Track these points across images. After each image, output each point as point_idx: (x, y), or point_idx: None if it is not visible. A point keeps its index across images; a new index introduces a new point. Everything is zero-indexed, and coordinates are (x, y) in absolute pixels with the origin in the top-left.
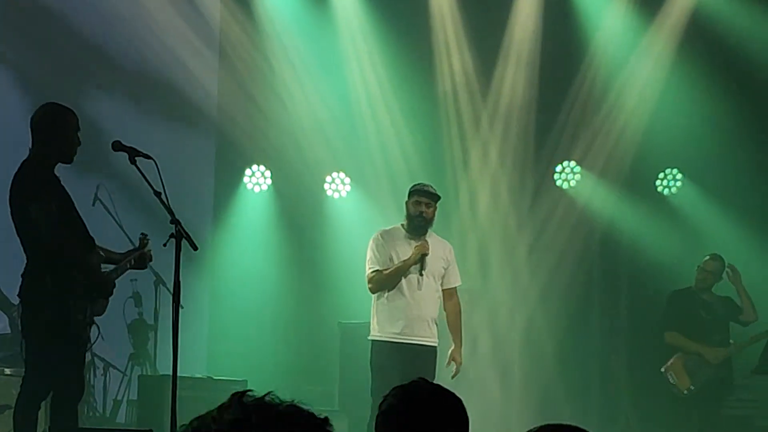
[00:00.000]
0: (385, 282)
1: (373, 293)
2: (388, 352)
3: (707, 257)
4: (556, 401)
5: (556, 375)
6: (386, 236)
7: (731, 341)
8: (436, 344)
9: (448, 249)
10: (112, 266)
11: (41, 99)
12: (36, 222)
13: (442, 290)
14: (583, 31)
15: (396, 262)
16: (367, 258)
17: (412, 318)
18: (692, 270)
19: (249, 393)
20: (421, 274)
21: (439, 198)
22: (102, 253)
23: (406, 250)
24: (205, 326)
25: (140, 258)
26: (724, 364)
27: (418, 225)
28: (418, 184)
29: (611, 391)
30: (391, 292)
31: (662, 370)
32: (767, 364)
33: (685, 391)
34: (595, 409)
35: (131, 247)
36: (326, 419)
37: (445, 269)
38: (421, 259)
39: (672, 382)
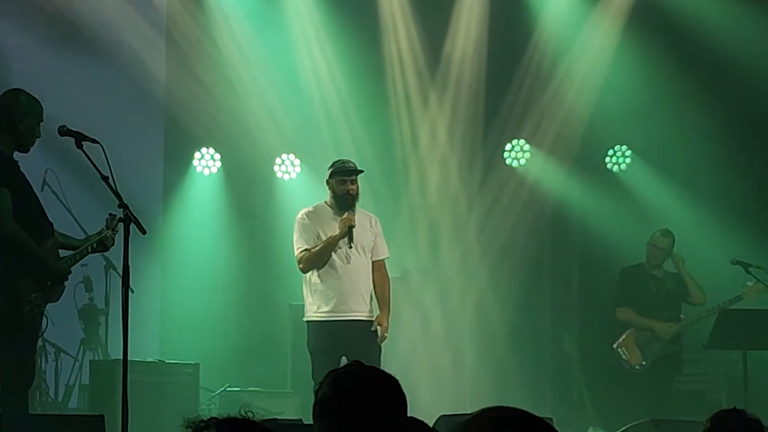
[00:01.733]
0: (316, 259)
1: (305, 272)
2: (326, 332)
3: (657, 233)
4: (508, 379)
5: (508, 353)
6: (311, 215)
7: (682, 316)
8: (373, 318)
9: (374, 221)
10: (70, 252)
11: None
12: None
13: (372, 263)
14: (531, 9)
15: (324, 239)
16: (294, 239)
17: (346, 294)
18: (642, 246)
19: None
20: (351, 247)
21: (361, 172)
22: (60, 240)
23: (333, 227)
24: (157, 310)
25: (101, 242)
26: (675, 339)
27: (345, 203)
28: (338, 162)
29: (564, 368)
30: (321, 270)
31: (614, 346)
32: (718, 338)
33: (637, 367)
34: (548, 386)
35: (81, 231)
36: None
37: (374, 241)
38: (348, 232)
39: (624, 357)
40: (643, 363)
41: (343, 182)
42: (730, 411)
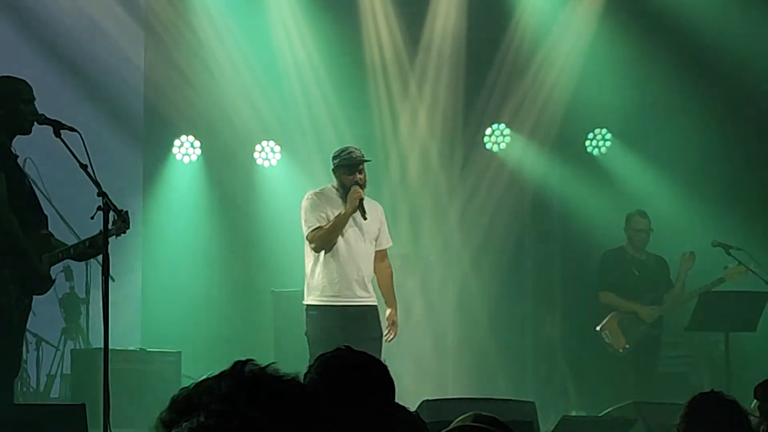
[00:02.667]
0: (328, 236)
1: (318, 251)
2: (329, 317)
3: (636, 215)
4: (491, 364)
5: (491, 338)
6: (320, 195)
7: (665, 296)
8: (375, 304)
9: (380, 210)
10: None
11: None
12: None
13: (375, 252)
14: None
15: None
16: (303, 218)
17: (351, 278)
18: (622, 229)
19: (252, 362)
20: (365, 218)
21: (368, 161)
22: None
23: (337, 212)
24: (138, 298)
25: (93, 242)
26: (657, 322)
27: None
28: (344, 152)
29: (546, 353)
30: (327, 254)
31: (597, 329)
32: (699, 320)
33: (621, 350)
34: (531, 371)
35: (61, 221)
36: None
37: (379, 230)
38: (359, 206)
39: (607, 341)
40: (627, 346)
41: (350, 173)
42: (708, 393)
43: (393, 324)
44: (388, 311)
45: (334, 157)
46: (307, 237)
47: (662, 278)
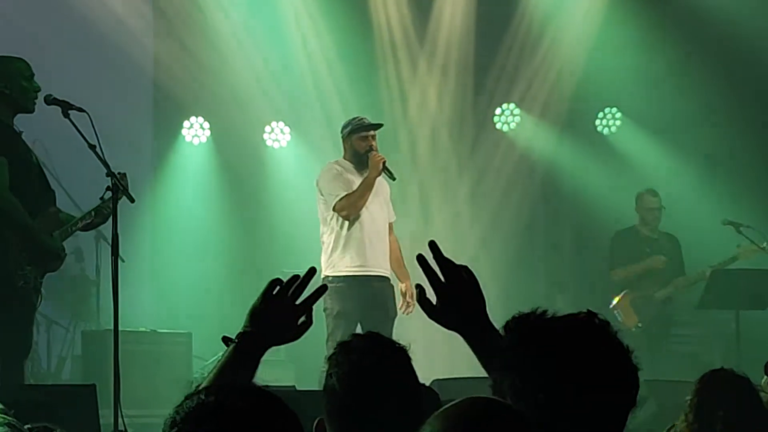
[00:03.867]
0: (358, 201)
1: (349, 218)
2: (355, 288)
3: (646, 193)
4: None
5: (501, 318)
6: (338, 165)
7: (679, 279)
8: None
9: (386, 183)
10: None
11: None
12: None
13: None
14: None
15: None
16: (327, 188)
17: (377, 248)
18: (633, 208)
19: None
20: (393, 178)
21: (381, 125)
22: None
23: (358, 182)
24: (148, 279)
25: (98, 211)
26: (668, 300)
27: (366, 159)
28: (354, 119)
29: None
30: (353, 224)
31: (609, 308)
32: (710, 298)
33: (633, 329)
34: None
35: (71, 202)
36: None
37: (388, 203)
38: (384, 168)
39: (619, 320)
40: (639, 325)
41: (364, 138)
42: (719, 370)
43: (411, 296)
44: (403, 285)
45: (345, 127)
46: (335, 206)
47: (675, 257)
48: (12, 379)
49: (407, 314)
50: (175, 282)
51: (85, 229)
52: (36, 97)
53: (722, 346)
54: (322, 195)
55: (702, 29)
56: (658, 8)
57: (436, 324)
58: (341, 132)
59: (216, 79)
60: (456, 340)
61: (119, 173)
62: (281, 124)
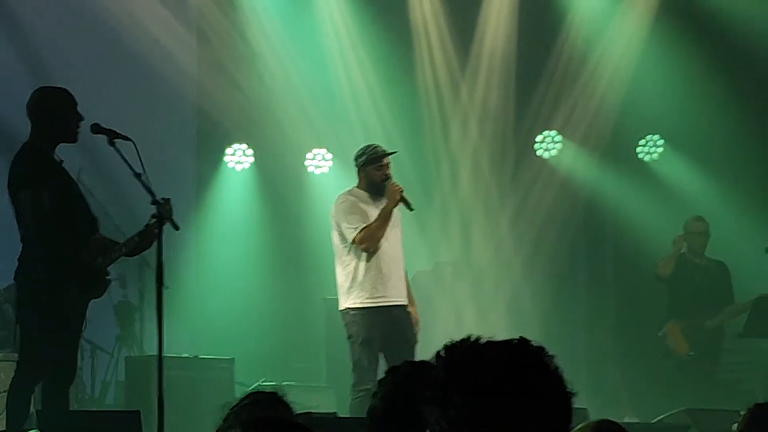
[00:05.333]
0: (377, 233)
1: (368, 250)
2: (377, 318)
3: (692, 219)
4: None
5: (542, 345)
6: (352, 196)
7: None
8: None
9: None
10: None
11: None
12: (24, 209)
13: None
14: None
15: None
16: (343, 221)
17: (396, 277)
18: (675, 235)
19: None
20: (411, 209)
21: (394, 152)
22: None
23: (373, 212)
24: (191, 305)
25: (143, 236)
26: (718, 330)
27: (382, 188)
28: (368, 149)
29: (598, 359)
30: (372, 254)
31: (659, 334)
32: (754, 326)
33: (685, 357)
34: (583, 378)
35: (115, 229)
36: None
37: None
38: (401, 198)
39: (670, 347)
40: (691, 353)
41: (380, 167)
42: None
43: (416, 322)
44: (409, 309)
45: (359, 156)
46: (354, 239)
47: (724, 284)
48: (57, 405)
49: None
50: (217, 308)
51: (131, 254)
52: (79, 127)
53: (764, 375)
54: (338, 228)
55: (744, 57)
56: (701, 36)
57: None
58: (355, 161)
59: (258, 106)
60: None
61: (163, 199)
62: (323, 150)
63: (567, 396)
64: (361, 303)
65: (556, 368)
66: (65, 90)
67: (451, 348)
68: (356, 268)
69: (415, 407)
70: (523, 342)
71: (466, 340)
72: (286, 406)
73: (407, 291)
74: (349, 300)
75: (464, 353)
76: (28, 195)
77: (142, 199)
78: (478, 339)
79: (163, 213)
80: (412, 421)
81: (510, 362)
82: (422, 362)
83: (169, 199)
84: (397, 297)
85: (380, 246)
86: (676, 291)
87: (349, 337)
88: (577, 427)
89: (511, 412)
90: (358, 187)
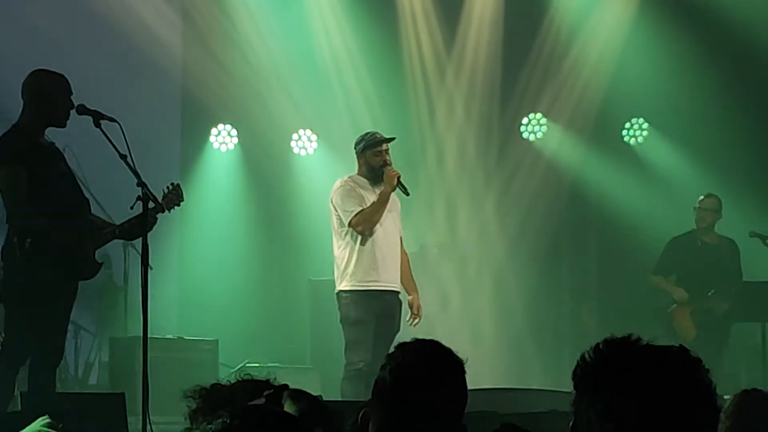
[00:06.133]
0: (373, 217)
1: (364, 233)
2: (368, 302)
3: (702, 196)
4: (527, 354)
5: (527, 327)
6: (351, 181)
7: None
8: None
9: (397, 199)
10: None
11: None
12: (2, 187)
13: None
14: None
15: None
16: (340, 205)
17: (389, 263)
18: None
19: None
20: (407, 194)
21: (393, 139)
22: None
23: (372, 198)
24: (175, 286)
25: (140, 221)
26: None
27: (382, 173)
28: (367, 135)
29: (583, 342)
30: (367, 238)
31: (668, 311)
32: (739, 311)
33: (692, 340)
34: (567, 361)
35: (101, 210)
36: None
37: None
38: (398, 183)
39: (676, 330)
40: (697, 338)
41: (378, 153)
42: (754, 392)
43: (418, 309)
44: (411, 297)
45: (358, 143)
46: (350, 222)
47: (732, 263)
48: (42, 387)
49: (414, 326)
50: (202, 289)
51: (127, 237)
52: (69, 115)
53: (746, 358)
54: (336, 211)
55: (730, 40)
56: (686, 20)
57: (462, 335)
58: (355, 148)
59: (244, 87)
60: (477, 350)
61: (173, 184)
62: (308, 131)
63: (715, 411)
64: (352, 286)
65: (710, 382)
66: (61, 75)
67: (611, 343)
68: (351, 252)
69: (422, 383)
70: (682, 351)
71: (626, 339)
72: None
73: (409, 278)
74: (342, 283)
75: (622, 351)
76: (5, 175)
77: (128, 181)
78: (638, 339)
79: (149, 195)
80: (418, 395)
81: (667, 370)
82: (431, 341)
83: (179, 184)
84: (389, 282)
85: (375, 231)
86: (679, 270)
87: (342, 319)
88: None
89: (658, 418)
90: (358, 173)
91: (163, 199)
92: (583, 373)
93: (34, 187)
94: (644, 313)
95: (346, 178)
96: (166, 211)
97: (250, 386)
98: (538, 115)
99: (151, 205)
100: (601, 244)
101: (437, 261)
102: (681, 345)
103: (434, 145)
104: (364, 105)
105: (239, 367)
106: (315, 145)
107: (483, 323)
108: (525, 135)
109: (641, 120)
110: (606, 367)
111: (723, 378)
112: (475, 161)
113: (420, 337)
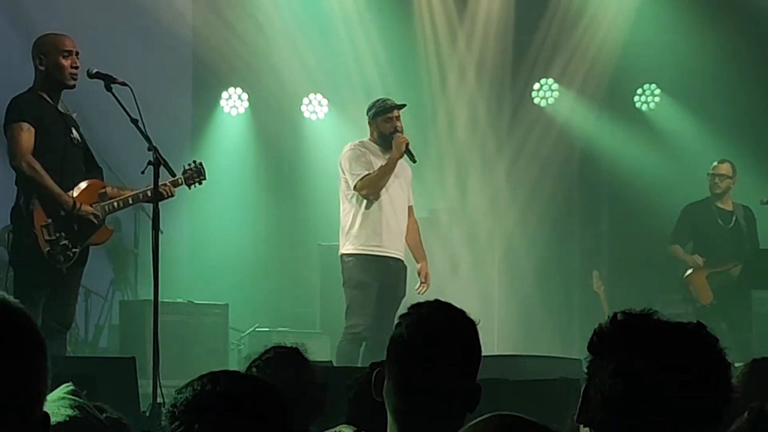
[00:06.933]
0: (379, 182)
1: (369, 198)
2: (371, 266)
3: (715, 162)
4: (536, 320)
5: (537, 294)
6: (361, 146)
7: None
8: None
9: (407, 167)
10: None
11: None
12: (8, 143)
13: None
14: None
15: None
16: (348, 168)
17: (394, 230)
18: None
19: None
20: (414, 161)
21: (404, 105)
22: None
23: (380, 163)
24: (185, 250)
25: (153, 193)
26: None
27: (391, 141)
28: (379, 101)
29: (592, 309)
30: (372, 204)
31: (683, 276)
32: (748, 278)
33: (707, 305)
34: (577, 327)
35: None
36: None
37: (409, 186)
38: (407, 150)
39: (693, 294)
40: (714, 302)
41: (389, 119)
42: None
43: (426, 276)
44: (420, 265)
45: (370, 108)
46: (355, 185)
47: (750, 229)
48: (53, 351)
49: (422, 293)
50: (212, 253)
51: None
52: (75, 74)
53: (758, 326)
54: (344, 174)
55: (743, 6)
56: None
57: (471, 301)
58: (367, 114)
59: (254, 51)
60: (487, 317)
61: (196, 162)
62: (319, 96)
63: (730, 386)
64: (355, 249)
65: (722, 357)
66: (63, 35)
67: (628, 313)
68: (355, 216)
69: (439, 337)
70: (698, 326)
71: (644, 311)
72: (305, 361)
73: (419, 245)
74: (346, 246)
75: (639, 320)
76: (13, 129)
77: (140, 144)
78: (655, 312)
79: (160, 159)
80: (436, 349)
81: (681, 338)
82: (444, 302)
83: (201, 163)
84: (392, 249)
85: (381, 197)
86: (694, 237)
87: (344, 282)
88: (480, 419)
89: (667, 381)
90: (369, 139)
91: (183, 174)
92: (599, 339)
93: (41, 145)
94: (656, 279)
95: (356, 142)
96: (187, 187)
97: None
98: (550, 81)
99: (166, 183)
100: (612, 211)
101: (447, 227)
102: (699, 321)
103: (445, 111)
104: (375, 70)
105: (249, 331)
106: (325, 109)
107: (493, 290)
108: (536, 101)
109: (653, 86)
110: (621, 332)
111: (738, 344)
112: (486, 127)
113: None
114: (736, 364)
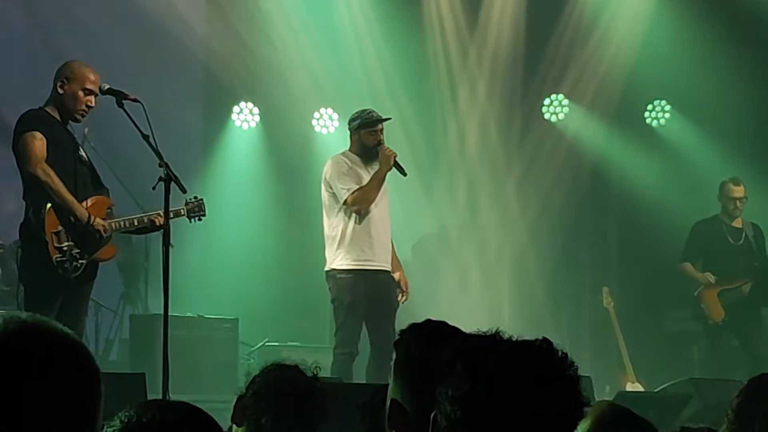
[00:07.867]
0: (369, 195)
1: (360, 212)
2: (361, 282)
3: (729, 182)
4: (546, 336)
5: (547, 309)
6: (347, 159)
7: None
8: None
9: None
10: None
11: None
12: (19, 154)
13: None
14: None
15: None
16: (336, 182)
17: (383, 242)
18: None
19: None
20: (404, 174)
21: (389, 119)
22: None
23: (365, 176)
24: (196, 265)
25: (153, 225)
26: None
27: (373, 152)
28: (363, 113)
29: (602, 325)
30: (362, 217)
31: (695, 294)
32: (758, 296)
33: (720, 323)
34: (587, 343)
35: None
36: None
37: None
38: (395, 163)
39: (705, 312)
40: (726, 319)
41: (374, 132)
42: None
43: (406, 285)
44: (397, 274)
45: (353, 119)
46: (346, 200)
47: (759, 246)
48: None
49: (403, 303)
50: (222, 267)
51: (139, 233)
52: (86, 113)
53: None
54: (330, 188)
55: (754, 24)
56: (709, 2)
57: (481, 317)
58: (349, 125)
59: (266, 65)
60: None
61: (197, 198)
62: (330, 110)
63: (580, 403)
64: (347, 265)
65: (570, 374)
66: (92, 71)
67: (472, 337)
68: (344, 230)
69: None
70: (544, 342)
71: (490, 335)
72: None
73: (394, 256)
74: (335, 261)
75: (478, 341)
76: (24, 139)
77: (151, 160)
78: (500, 334)
79: (171, 175)
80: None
81: (518, 359)
82: (443, 322)
83: (202, 199)
84: (382, 262)
85: (370, 210)
86: (705, 255)
87: (334, 300)
88: (591, 408)
89: (502, 403)
90: (350, 150)
91: (185, 206)
92: (444, 365)
93: (53, 160)
94: (666, 295)
95: (339, 154)
96: (188, 220)
97: None
98: (560, 96)
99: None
100: (621, 227)
101: (458, 242)
102: (544, 338)
103: (456, 125)
104: (386, 85)
105: (258, 346)
106: (336, 123)
107: (503, 305)
108: (547, 116)
109: (663, 102)
110: (458, 358)
111: (751, 361)
112: (496, 142)
113: (439, 318)
114: (745, 382)
